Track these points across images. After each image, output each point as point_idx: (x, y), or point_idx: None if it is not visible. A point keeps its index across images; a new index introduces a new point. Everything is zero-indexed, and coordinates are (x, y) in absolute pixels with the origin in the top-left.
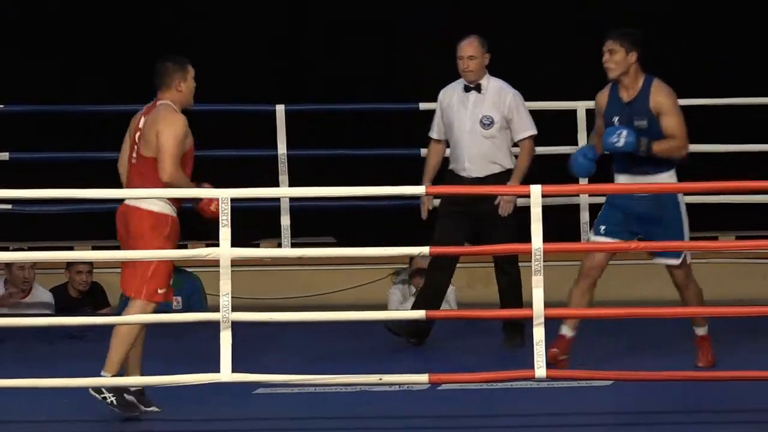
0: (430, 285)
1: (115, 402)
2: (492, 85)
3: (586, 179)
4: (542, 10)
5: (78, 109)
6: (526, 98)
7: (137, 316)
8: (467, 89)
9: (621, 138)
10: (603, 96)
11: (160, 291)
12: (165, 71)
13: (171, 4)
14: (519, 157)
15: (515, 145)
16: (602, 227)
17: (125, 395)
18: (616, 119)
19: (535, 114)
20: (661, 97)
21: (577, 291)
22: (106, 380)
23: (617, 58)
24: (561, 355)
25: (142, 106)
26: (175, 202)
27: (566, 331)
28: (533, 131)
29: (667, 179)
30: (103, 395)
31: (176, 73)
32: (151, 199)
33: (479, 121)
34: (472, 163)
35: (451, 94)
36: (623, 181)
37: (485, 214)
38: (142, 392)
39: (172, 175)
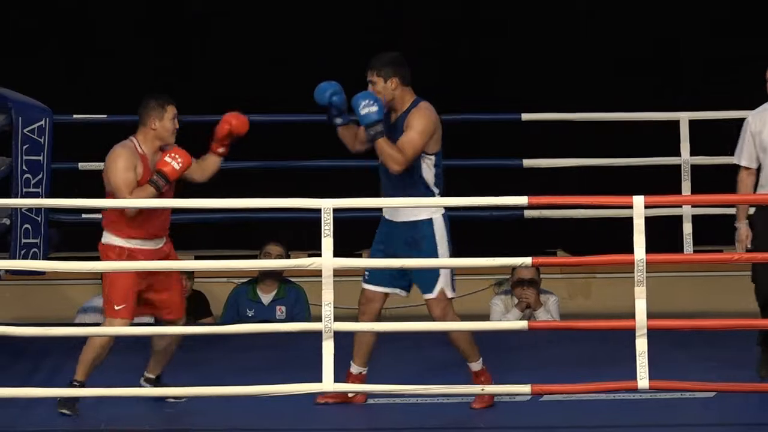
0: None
1: (68, 412)
2: None
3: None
4: (648, 19)
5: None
6: (629, 109)
7: (245, 326)
8: None
9: (368, 107)
10: None
11: (117, 307)
12: (144, 107)
13: (274, 14)
14: None
15: None
16: (367, 273)
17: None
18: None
19: (636, 125)
20: (414, 115)
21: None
22: (223, 390)
23: (378, 89)
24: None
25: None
26: (136, 232)
27: (353, 368)
28: None
29: (425, 207)
30: (62, 411)
31: (153, 111)
32: (104, 232)
33: None
34: None
35: (764, 117)
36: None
37: None
38: None
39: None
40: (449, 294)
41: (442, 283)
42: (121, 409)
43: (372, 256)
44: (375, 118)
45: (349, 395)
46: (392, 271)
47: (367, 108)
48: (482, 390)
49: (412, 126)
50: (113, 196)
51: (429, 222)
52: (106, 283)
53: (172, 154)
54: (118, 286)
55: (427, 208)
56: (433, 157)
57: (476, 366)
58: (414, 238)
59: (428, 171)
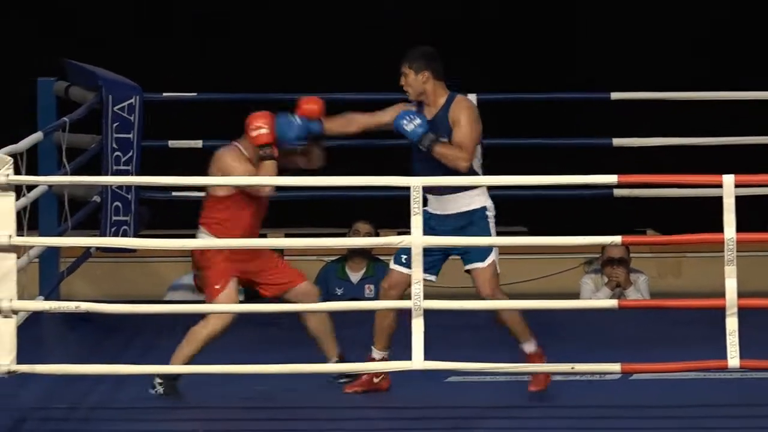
0: None
1: (162, 392)
2: None
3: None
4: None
5: (261, 98)
6: (720, 88)
7: (334, 304)
8: None
9: (411, 123)
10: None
11: (216, 286)
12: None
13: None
14: None
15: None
16: (403, 257)
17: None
18: None
19: (730, 104)
20: (458, 110)
21: (380, 313)
22: (298, 367)
23: (409, 81)
24: (375, 377)
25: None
26: (228, 231)
27: (375, 353)
28: None
29: (477, 196)
30: (155, 389)
31: None
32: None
33: None
34: None
35: None
36: (431, 200)
37: None
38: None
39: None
40: (498, 269)
41: (494, 255)
42: (227, 388)
43: None
44: (422, 130)
45: (374, 381)
46: (432, 257)
47: (411, 125)
48: (572, 368)
49: (461, 120)
50: (214, 200)
51: (483, 209)
52: (204, 266)
53: (254, 125)
54: (218, 267)
55: (479, 197)
56: (478, 146)
57: (530, 347)
58: (468, 223)
59: (475, 159)
